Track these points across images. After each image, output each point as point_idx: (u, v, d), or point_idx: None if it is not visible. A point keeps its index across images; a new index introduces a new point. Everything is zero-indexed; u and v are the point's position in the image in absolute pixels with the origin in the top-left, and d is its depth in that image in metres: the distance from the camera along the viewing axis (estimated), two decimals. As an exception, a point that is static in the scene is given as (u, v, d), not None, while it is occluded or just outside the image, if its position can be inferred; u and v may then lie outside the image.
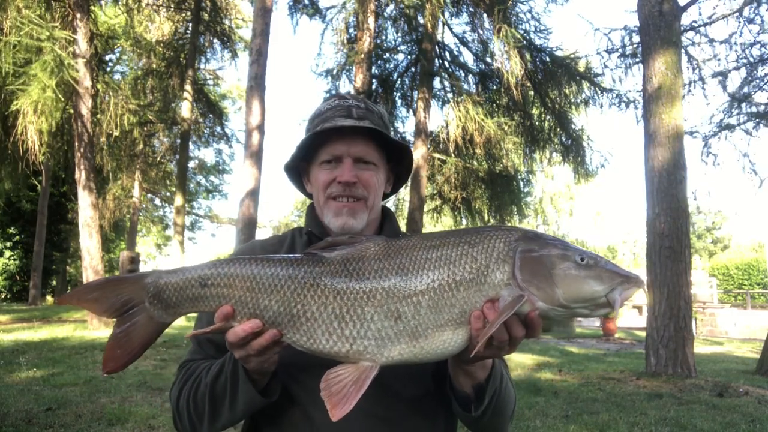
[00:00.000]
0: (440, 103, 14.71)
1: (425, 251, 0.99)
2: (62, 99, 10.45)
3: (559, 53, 13.20)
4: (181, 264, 13.41)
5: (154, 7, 16.61)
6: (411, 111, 14.59)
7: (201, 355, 1.25)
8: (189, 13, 16.31)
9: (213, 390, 1.11)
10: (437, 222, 16.40)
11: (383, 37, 14.83)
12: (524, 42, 12.30)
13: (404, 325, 0.95)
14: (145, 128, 16.73)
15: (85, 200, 11.77)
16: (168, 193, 27.16)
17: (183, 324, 15.21)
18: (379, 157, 1.29)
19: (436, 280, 0.96)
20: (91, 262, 11.36)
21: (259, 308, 0.98)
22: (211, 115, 18.83)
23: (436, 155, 14.34)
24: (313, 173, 1.31)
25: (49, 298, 27.15)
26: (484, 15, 13.10)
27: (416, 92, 13.72)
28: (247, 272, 1.00)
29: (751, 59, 11.26)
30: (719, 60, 11.66)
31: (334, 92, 14.50)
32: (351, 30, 14.20)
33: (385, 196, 1.39)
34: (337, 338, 0.96)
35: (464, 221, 15.39)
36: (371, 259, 1.00)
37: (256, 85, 10.28)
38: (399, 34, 14.77)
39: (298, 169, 1.38)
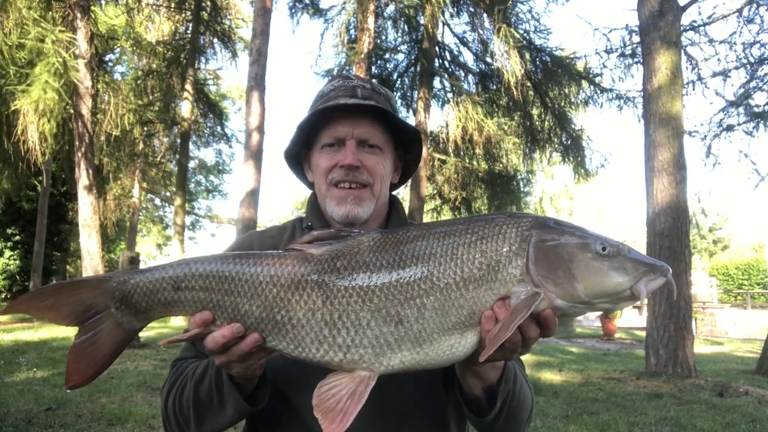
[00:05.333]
0: (440, 103, 14.73)
1: (428, 244, 0.88)
2: (64, 99, 10.45)
3: (558, 53, 13.21)
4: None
5: (154, 7, 16.61)
6: (411, 111, 14.59)
7: (193, 353, 1.16)
8: (189, 13, 16.30)
9: (197, 394, 1.03)
10: (437, 222, 16.42)
11: (383, 38, 14.84)
12: (524, 42, 12.30)
13: (406, 330, 0.84)
14: (145, 128, 16.73)
15: (85, 200, 11.77)
16: (168, 193, 27.14)
17: (182, 324, 15.21)
18: (386, 141, 1.18)
19: (442, 279, 0.85)
20: (91, 262, 11.35)
21: (239, 313, 0.88)
22: (211, 115, 18.82)
23: (436, 155, 14.34)
24: (314, 159, 1.20)
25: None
26: (484, 15, 13.09)
27: (416, 92, 13.72)
28: (224, 273, 0.89)
29: (751, 59, 11.26)
30: (719, 60, 11.68)
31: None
32: (351, 30, 14.20)
33: (393, 187, 1.27)
34: (329, 347, 0.85)
35: (464, 221, 15.41)
36: (366, 255, 0.88)
37: (256, 85, 10.28)
38: (399, 34, 14.79)
39: (299, 157, 1.27)
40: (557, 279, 0.84)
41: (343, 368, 0.87)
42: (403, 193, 16.28)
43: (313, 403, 0.84)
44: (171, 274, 0.92)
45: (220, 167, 30.78)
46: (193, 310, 0.91)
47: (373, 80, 1.24)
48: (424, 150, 12.60)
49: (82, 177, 11.70)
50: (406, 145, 1.25)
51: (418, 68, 13.91)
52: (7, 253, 24.81)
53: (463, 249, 0.87)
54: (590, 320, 18.85)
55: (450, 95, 14.29)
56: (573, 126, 14.10)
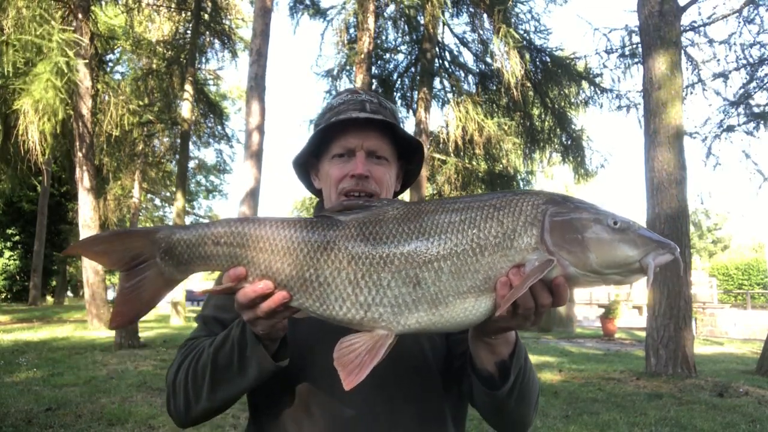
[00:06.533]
0: (440, 103, 14.74)
1: (447, 214, 0.94)
2: (64, 99, 10.45)
3: (558, 53, 13.22)
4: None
5: (154, 7, 16.61)
6: (411, 111, 14.61)
7: (206, 333, 1.21)
8: (189, 13, 16.30)
9: (216, 359, 1.08)
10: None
11: (383, 38, 14.85)
12: (524, 42, 12.32)
13: (423, 292, 0.91)
14: (145, 128, 16.74)
15: (85, 200, 11.79)
16: (168, 193, 27.14)
17: (182, 325, 15.23)
18: (392, 153, 1.26)
19: (459, 245, 0.91)
20: (91, 263, 11.36)
21: (271, 270, 0.95)
22: (211, 116, 18.82)
23: (436, 155, 14.35)
24: (323, 168, 1.27)
25: (49, 299, 27.14)
26: (484, 15, 13.10)
27: (416, 92, 13.73)
28: (261, 233, 0.98)
29: (751, 60, 11.27)
30: (719, 61, 11.68)
31: (334, 92, 14.53)
32: (351, 30, 14.22)
33: (395, 195, 1.36)
34: (351, 305, 0.92)
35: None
36: (389, 222, 0.96)
37: (256, 85, 10.29)
38: (399, 35, 14.81)
39: (306, 165, 1.34)
40: (571, 248, 0.89)
41: (363, 327, 0.93)
42: (403, 194, 16.31)
43: (334, 356, 0.90)
44: (213, 231, 1.00)
45: (220, 167, 30.79)
46: (229, 265, 0.98)
47: (379, 95, 1.31)
48: (425, 150, 12.67)
49: (83, 177, 11.72)
50: (409, 156, 1.34)
51: (418, 68, 13.92)
52: (7, 253, 24.83)
53: (481, 219, 0.93)
54: (590, 320, 18.88)
55: (450, 95, 14.31)
56: (573, 126, 14.11)
